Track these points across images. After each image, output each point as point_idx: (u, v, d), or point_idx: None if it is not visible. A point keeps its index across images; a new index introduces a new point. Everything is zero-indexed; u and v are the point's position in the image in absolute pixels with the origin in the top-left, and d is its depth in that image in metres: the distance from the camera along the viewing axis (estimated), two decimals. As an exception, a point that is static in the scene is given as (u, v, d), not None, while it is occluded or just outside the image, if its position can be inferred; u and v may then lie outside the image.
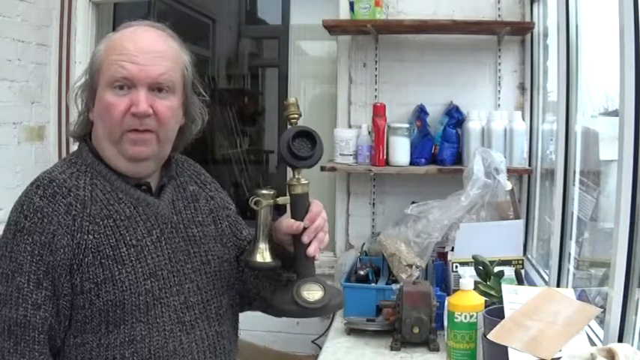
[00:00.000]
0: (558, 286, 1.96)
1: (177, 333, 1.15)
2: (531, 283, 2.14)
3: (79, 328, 1.11)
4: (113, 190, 1.16)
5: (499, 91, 2.62)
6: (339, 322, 2.07)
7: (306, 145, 1.17)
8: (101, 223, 1.12)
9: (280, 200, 1.19)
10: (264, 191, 1.17)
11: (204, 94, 1.28)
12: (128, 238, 1.13)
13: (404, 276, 2.08)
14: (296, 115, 1.21)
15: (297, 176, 1.17)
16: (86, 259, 1.09)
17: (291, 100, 1.21)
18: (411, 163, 2.53)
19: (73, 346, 1.12)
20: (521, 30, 2.54)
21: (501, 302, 1.41)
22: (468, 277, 1.64)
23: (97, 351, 1.11)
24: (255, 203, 1.16)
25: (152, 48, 1.15)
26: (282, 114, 1.20)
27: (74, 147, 3.16)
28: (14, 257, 1.08)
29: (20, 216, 1.10)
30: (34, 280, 1.08)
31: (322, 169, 2.59)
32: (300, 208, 1.17)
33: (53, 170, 1.17)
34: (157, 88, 1.14)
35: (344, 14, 2.67)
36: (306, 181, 1.17)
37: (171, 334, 1.14)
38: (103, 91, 1.13)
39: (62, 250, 1.09)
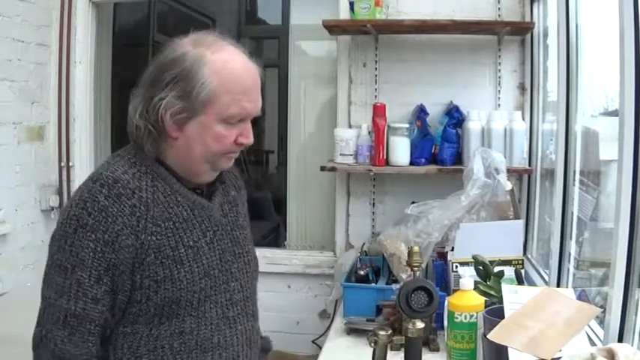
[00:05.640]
0: (558, 286, 1.96)
1: (222, 327, 1.23)
2: (531, 283, 2.14)
3: (131, 319, 1.17)
4: (172, 192, 1.21)
5: (499, 91, 2.62)
6: (339, 322, 2.07)
7: (423, 298, 1.31)
8: (162, 225, 1.17)
9: (396, 339, 1.35)
10: (382, 332, 1.34)
11: None
12: (186, 239, 1.20)
13: (404, 276, 2.08)
14: (419, 264, 1.39)
15: (412, 320, 1.32)
16: (148, 259, 1.15)
17: (415, 248, 1.39)
18: (411, 163, 2.53)
19: (122, 334, 1.18)
20: (521, 30, 2.54)
21: (501, 302, 1.41)
22: (468, 277, 1.63)
23: (147, 340, 1.17)
24: (375, 342, 1.33)
25: (258, 83, 1.22)
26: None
27: (74, 147, 3.17)
28: (75, 252, 1.12)
29: (83, 212, 1.13)
30: (95, 276, 1.12)
31: (322, 169, 2.59)
32: (414, 349, 1.31)
33: (116, 170, 1.19)
34: None
35: (344, 14, 2.67)
36: (421, 325, 1.32)
37: (217, 327, 1.22)
38: (213, 122, 1.17)
39: (126, 250, 1.13)
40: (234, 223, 1.32)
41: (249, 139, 1.22)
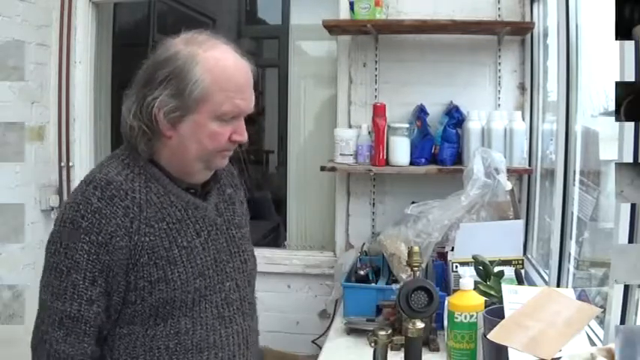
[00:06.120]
0: (558, 286, 1.96)
1: (218, 327, 1.23)
2: (531, 283, 2.14)
3: (127, 320, 1.18)
4: (166, 193, 1.21)
5: (499, 91, 2.62)
6: (339, 322, 2.07)
7: (423, 298, 1.32)
8: (156, 226, 1.18)
9: (396, 339, 1.35)
10: (382, 332, 1.34)
11: None
12: (180, 240, 1.20)
13: (404, 276, 2.08)
14: (419, 264, 1.40)
15: (412, 320, 1.33)
16: (142, 260, 1.16)
17: (415, 248, 1.40)
18: (411, 163, 2.53)
19: (118, 335, 1.19)
20: (521, 30, 2.54)
21: (501, 302, 1.41)
22: (468, 277, 1.63)
23: (143, 341, 1.18)
24: (375, 342, 1.34)
25: (250, 81, 1.22)
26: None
27: (74, 147, 3.17)
28: (70, 254, 1.13)
29: (77, 215, 1.14)
30: (90, 278, 1.13)
31: (322, 169, 2.59)
32: (414, 349, 1.33)
33: (109, 171, 1.19)
34: None
35: (344, 14, 2.67)
36: (421, 325, 1.33)
37: (213, 327, 1.22)
38: (207, 119, 1.17)
39: (120, 251, 1.14)
40: (230, 222, 1.32)
41: (243, 136, 1.22)
